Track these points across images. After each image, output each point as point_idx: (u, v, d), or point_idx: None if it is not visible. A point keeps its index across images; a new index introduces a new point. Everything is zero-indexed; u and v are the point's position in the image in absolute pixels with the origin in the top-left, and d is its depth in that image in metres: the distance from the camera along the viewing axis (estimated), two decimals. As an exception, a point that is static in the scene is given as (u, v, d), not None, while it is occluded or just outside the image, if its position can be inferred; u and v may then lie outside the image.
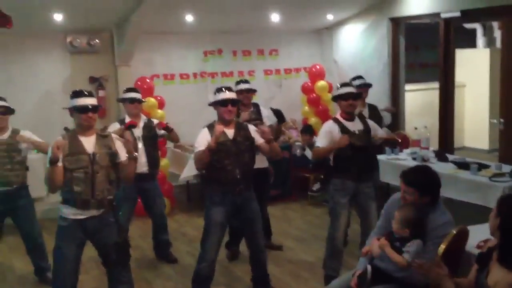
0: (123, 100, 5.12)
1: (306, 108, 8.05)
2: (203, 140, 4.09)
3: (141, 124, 5.02)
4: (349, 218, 5.05)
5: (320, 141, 4.53)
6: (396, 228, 3.11)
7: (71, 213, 3.57)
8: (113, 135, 3.79)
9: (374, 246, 3.19)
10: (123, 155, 3.69)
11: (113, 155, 3.63)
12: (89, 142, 3.59)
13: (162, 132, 5.15)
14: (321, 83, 7.86)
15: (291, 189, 7.34)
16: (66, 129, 3.68)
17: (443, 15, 6.20)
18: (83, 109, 3.55)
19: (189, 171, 6.50)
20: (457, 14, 6.02)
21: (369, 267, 3.18)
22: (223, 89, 4.25)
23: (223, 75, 7.72)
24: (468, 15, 6.01)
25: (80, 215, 3.57)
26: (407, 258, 2.99)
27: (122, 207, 4.84)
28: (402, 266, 3.01)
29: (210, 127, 4.20)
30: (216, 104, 4.21)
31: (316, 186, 7.20)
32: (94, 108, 3.60)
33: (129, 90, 5.19)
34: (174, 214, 6.79)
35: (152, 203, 5.17)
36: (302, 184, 7.39)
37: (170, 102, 7.05)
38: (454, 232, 3.04)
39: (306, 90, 8.00)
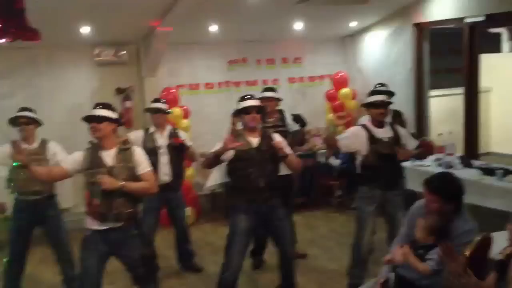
0: (149, 111, 5.23)
1: (331, 115, 8.05)
2: (221, 144, 4.11)
3: (166, 133, 5.11)
4: (375, 226, 5.05)
5: (342, 136, 4.63)
6: (420, 236, 3.10)
7: (93, 223, 3.64)
8: (134, 147, 3.78)
9: (397, 254, 3.19)
10: (143, 168, 3.70)
11: (132, 168, 3.65)
12: (108, 156, 3.64)
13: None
14: (345, 90, 7.88)
15: (315, 197, 7.34)
16: (90, 142, 3.73)
17: (467, 20, 6.14)
18: (87, 120, 3.64)
19: (214, 180, 6.56)
20: (482, 18, 5.95)
21: (392, 275, 3.17)
22: (247, 96, 4.31)
23: (248, 84, 7.79)
24: (493, 19, 5.94)
25: (101, 225, 3.62)
26: (430, 265, 2.98)
27: (147, 218, 4.90)
28: (426, 274, 3.00)
29: (235, 135, 4.24)
30: (240, 112, 4.25)
31: (338, 193, 7.20)
32: (97, 119, 3.60)
33: (155, 100, 5.31)
34: (200, 223, 6.87)
35: (175, 213, 5.25)
36: (326, 192, 7.40)
37: (195, 111, 7.15)
38: (478, 239, 3.02)
39: (330, 97, 8.02)
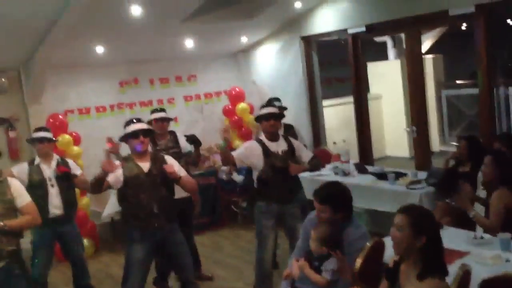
0: (33, 141, 4.85)
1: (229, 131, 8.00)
2: None
3: (53, 163, 4.77)
4: (277, 239, 5.04)
5: (237, 151, 4.57)
6: (314, 247, 3.09)
7: None
8: (9, 179, 3.53)
9: (293, 268, 3.15)
10: (22, 200, 3.46)
11: (9, 202, 3.40)
12: None
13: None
14: (241, 105, 7.87)
15: (220, 215, 7.23)
16: None
17: (350, 31, 6.39)
18: None
19: (111, 208, 6.27)
20: (363, 29, 6.21)
21: (290, 290, 3.13)
22: (133, 120, 4.15)
23: (142, 104, 7.55)
24: (373, 29, 6.23)
25: None
26: (326, 276, 2.97)
27: (38, 255, 4.60)
28: (322, 286, 2.98)
29: (125, 159, 4.08)
30: (127, 137, 4.09)
31: (242, 209, 7.16)
32: None
33: (38, 129, 4.93)
34: (99, 255, 6.51)
35: (69, 247, 4.88)
36: (231, 209, 7.31)
37: (87, 137, 6.79)
38: (369, 245, 3.05)
39: (227, 113, 7.99)
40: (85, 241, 6.33)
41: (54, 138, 5.03)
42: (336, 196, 3.17)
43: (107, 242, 6.85)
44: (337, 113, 8.48)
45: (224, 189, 7.30)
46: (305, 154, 4.73)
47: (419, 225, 2.46)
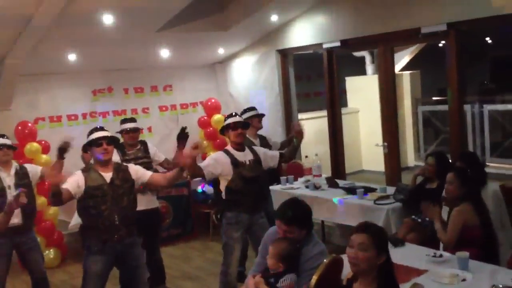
0: None
1: (205, 142, 7.95)
2: (71, 180, 3.85)
3: (12, 171, 4.68)
4: (246, 250, 5.00)
5: (204, 164, 4.41)
6: (270, 264, 3.04)
7: None
8: None
9: (249, 284, 3.09)
10: None
11: None
12: None
13: None
14: (217, 116, 7.83)
15: (192, 227, 7.16)
16: None
17: (325, 45, 6.40)
18: None
19: (79, 218, 6.12)
20: (337, 44, 6.23)
21: (245, 307, 3.07)
22: (97, 128, 4.09)
23: (115, 113, 7.45)
24: (347, 44, 6.24)
25: None
26: (281, 294, 2.92)
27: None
28: (277, 303, 2.93)
29: (85, 170, 4.00)
30: (90, 145, 4.02)
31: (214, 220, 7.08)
32: None
33: None
34: (66, 265, 6.37)
35: (28, 258, 4.76)
36: (203, 220, 7.23)
37: (57, 145, 6.67)
38: (326, 261, 3.01)
39: (203, 124, 7.94)
40: (52, 251, 6.24)
41: (13, 145, 4.91)
42: (301, 215, 3.13)
43: (75, 252, 6.71)
44: (312, 127, 8.45)
45: (197, 200, 7.22)
46: (273, 154, 4.71)
47: (381, 244, 2.44)
